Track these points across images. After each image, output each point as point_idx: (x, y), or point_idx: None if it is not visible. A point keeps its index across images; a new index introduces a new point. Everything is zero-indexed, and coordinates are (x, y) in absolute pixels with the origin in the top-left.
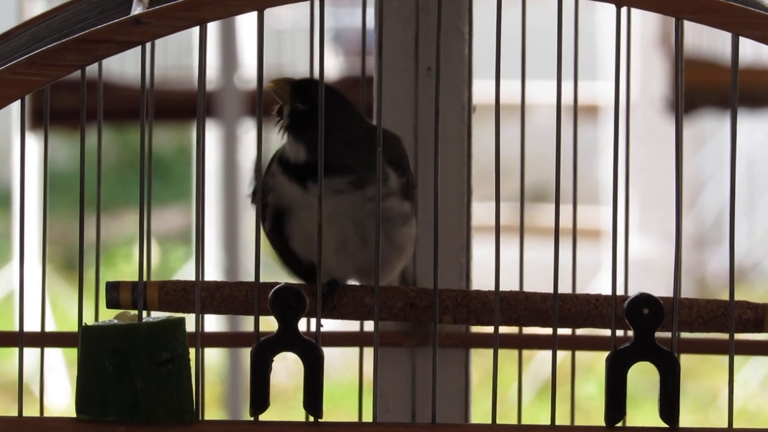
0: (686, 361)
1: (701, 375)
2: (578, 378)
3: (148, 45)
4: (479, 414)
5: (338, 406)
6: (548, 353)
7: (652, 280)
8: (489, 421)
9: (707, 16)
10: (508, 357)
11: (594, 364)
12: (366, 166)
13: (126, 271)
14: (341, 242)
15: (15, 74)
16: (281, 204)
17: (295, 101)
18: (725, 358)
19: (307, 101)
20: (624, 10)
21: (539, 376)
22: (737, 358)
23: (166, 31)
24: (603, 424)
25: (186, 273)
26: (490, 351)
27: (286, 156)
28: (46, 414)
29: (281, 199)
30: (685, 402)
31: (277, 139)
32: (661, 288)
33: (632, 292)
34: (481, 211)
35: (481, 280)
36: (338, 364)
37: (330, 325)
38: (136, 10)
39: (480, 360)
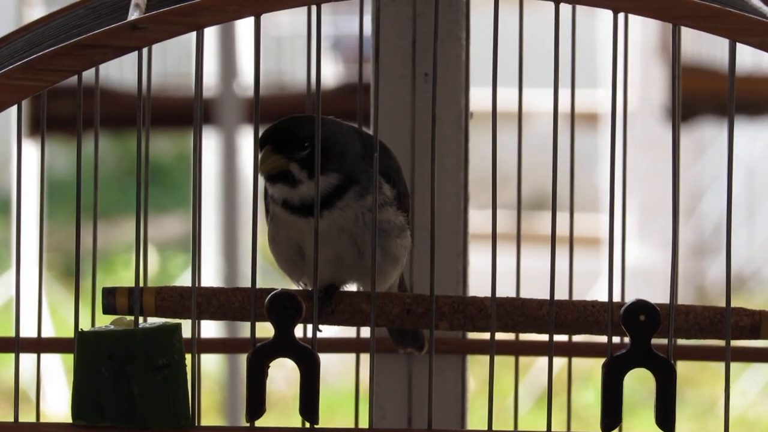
0: (685, 369)
1: (700, 383)
2: (576, 386)
3: (145, 50)
4: (477, 422)
5: (336, 414)
6: (546, 362)
7: (652, 287)
8: (486, 428)
9: (705, 23)
10: (505, 365)
11: (592, 371)
12: (366, 176)
13: (125, 278)
14: (337, 256)
15: (12, 79)
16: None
17: (295, 155)
18: (724, 366)
19: (300, 147)
20: (621, 16)
21: (537, 385)
22: (736, 366)
23: (163, 37)
24: (600, 430)
25: (185, 280)
26: (488, 359)
27: (293, 201)
28: (44, 420)
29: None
30: (684, 410)
31: None
32: (660, 296)
33: (631, 300)
34: (479, 219)
35: (478, 287)
36: (336, 372)
37: (327, 331)
38: (133, 15)
39: (477, 368)
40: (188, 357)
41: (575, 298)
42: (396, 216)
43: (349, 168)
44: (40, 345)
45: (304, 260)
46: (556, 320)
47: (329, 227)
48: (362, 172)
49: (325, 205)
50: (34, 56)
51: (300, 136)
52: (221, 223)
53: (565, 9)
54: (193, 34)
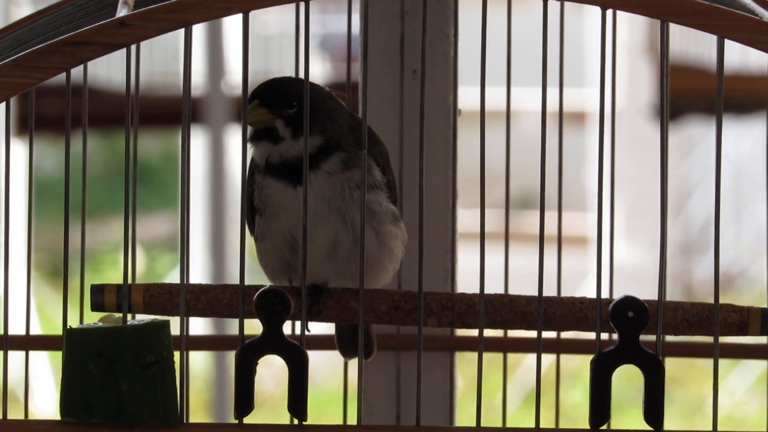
0: (673, 367)
1: (688, 382)
2: (564, 385)
3: (133, 47)
4: (466, 420)
5: (324, 411)
6: (534, 360)
7: (640, 287)
8: (474, 425)
9: (693, 19)
10: (494, 364)
11: (580, 371)
12: (353, 149)
13: (113, 277)
14: (333, 242)
15: None
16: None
17: (282, 111)
18: (712, 365)
19: (289, 105)
20: (609, 14)
21: (525, 384)
22: (723, 365)
23: (152, 33)
24: (588, 427)
25: (172, 280)
26: (476, 356)
27: (273, 159)
28: (32, 418)
29: (265, 203)
30: (672, 409)
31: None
32: (648, 295)
33: (619, 296)
34: (468, 218)
35: (467, 287)
36: (324, 370)
37: (315, 328)
38: (121, 12)
39: (466, 367)
40: (177, 354)
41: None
42: (387, 203)
43: (334, 134)
44: (29, 342)
45: (296, 254)
46: (544, 317)
47: (315, 199)
48: (349, 144)
49: (310, 167)
50: (22, 53)
51: (289, 94)
52: (209, 222)
53: (553, 8)
54: (181, 32)
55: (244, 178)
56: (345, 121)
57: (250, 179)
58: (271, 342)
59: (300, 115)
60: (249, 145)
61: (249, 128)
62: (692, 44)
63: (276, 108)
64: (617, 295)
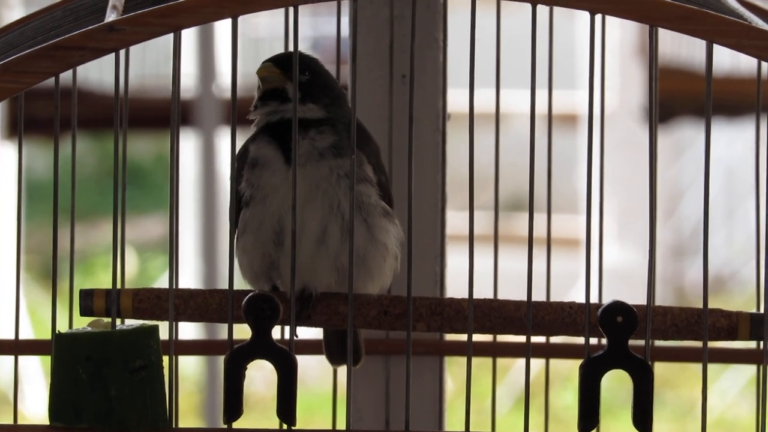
0: (664, 370)
1: (679, 385)
2: (555, 387)
3: (122, 52)
4: (456, 424)
5: (314, 416)
6: (524, 363)
7: (631, 289)
8: (464, 429)
9: (682, 24)
10: (485, 368)
11: (571, 373)
12: (347, 141)
13: (105, 280)
14: (321, 229)
15: None
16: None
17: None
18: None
19: (301, 72)
20: (599, 18)
21: (516, 387)
22: (715, 367)
23: (141, 38)
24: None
25: (164, 282)
26: (465, 360)
27: (273, 118)
28: (22, 422)
29: (257, 184)
30: (664, 412)
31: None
32: (639, 297)
33: (608, 301)
34: (457, 221)
35: (456, 289)
36: (314, 373)
37: (304, 333)
38: (111, 17)
39: (457, 370)
40: (166, 359)
41: (553, 299)
42: (378, 198)
43: (335, 116)
44: (18, 347)
45: (282, 248)
46: (533, 322)
47: (302, 180)
48: (344, 134)
49: (303, 128)
50: (11, 58)
51: (303, 62)
52: (200, 225)
53: (543, 10)
54: (171, 35)
55: (233, 177)
56: (347, 113)
57: (239, 172)
58: (260, 347)
59: (310, 84)
60: (253, 110)
61: (256, 92)
62: (683, 47)
63: (289, 72)
64: (607, 299)
